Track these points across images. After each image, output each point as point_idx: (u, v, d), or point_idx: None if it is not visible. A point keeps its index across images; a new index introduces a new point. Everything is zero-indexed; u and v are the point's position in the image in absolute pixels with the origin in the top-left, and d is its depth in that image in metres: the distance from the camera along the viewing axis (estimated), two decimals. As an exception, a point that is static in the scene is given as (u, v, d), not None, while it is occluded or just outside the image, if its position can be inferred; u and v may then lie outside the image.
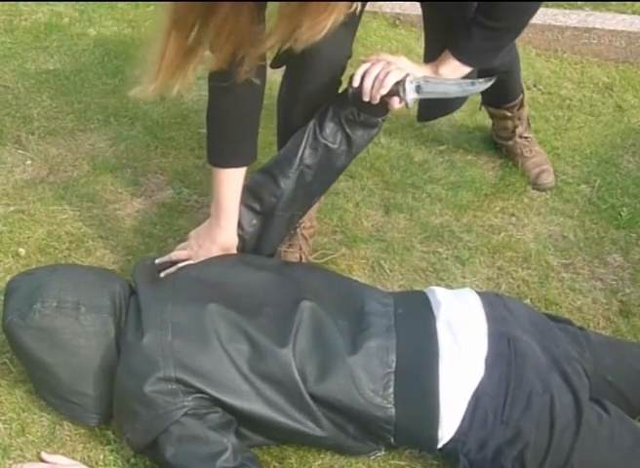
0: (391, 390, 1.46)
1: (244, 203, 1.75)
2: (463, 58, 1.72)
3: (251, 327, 1.48)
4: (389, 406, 1.45)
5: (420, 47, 3.07)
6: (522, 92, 2.35)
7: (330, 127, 1.72)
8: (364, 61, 1.67)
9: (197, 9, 1.43)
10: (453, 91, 1.73)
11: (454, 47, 1.73)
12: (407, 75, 1.64)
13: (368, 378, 1.45)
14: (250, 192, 1.76)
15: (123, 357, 1.50)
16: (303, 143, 1.73)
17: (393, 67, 1.64)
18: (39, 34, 3.08)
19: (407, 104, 1.66)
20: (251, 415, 1.46)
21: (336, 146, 1.73)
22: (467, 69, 1.74)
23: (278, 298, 1.55)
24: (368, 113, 1.70)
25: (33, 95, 2.69)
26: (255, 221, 1.76)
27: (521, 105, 2.36)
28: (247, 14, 1.44)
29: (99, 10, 3.28)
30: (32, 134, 2.49)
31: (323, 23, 1.41)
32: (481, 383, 1.46)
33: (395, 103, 1.65)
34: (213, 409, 1.45)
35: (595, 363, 1.57)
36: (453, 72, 1.73)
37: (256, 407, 1.45)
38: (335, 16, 1.40)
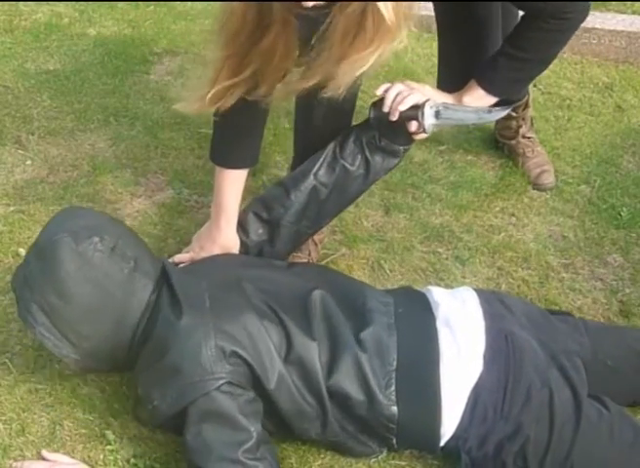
0: (393, 388, 1.47)
1: (253, 211, 1.78)
2: (489, 88, 1.71)
3: (280, 310, 1.50)
4: (391, 403, 1.46)
5: (420, 47, 3.08)
6: (528, 92, 2.35)
7: (350, 148, 1.73)
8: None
9: (247, 32, 1.44)
10: (470, 118, 1.74)
11: (479, 76, 1.72)
12: (427, 100, 1.65)
13: (372, 374, 1.47)
14: (261, 202, 1.80)
15: (161, 326, 1.48)
16: (321, 160, 1.74)
17: (416, 91, 1.66)
18: (39, 34, 3.08)
19: (424, 129, 1.66)
20: (276, 392, 1.45)
21: (353, 169, 1.74)
22: (492, 99, 1.73)
23: (292, 292, 1.57)
24: (389, 139, 1.72)
25: (33, 95, 2.69)
26: (260, 231, 1.77)
27: (526, 106, 2.36)
28: (293, 42, 1.46)
29: (99, 10, 3.28)
30: (32, 134, 2.49)
31: (365, 59, 1.43)
32: (480, 378, 1.47)
33: (413, 127, 1.66)
34: (246, 390, 1.44)
35: (595, 348, 1.58)
36: (477, 101, 1.72)
37: (283, 384, 1.45)
38: (379, 51, 1.43)
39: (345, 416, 1.49)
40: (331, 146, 1.75)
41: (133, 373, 1.57)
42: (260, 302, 1.51)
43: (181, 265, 1.74)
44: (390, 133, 1.71)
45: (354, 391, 1.46)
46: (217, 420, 1.41)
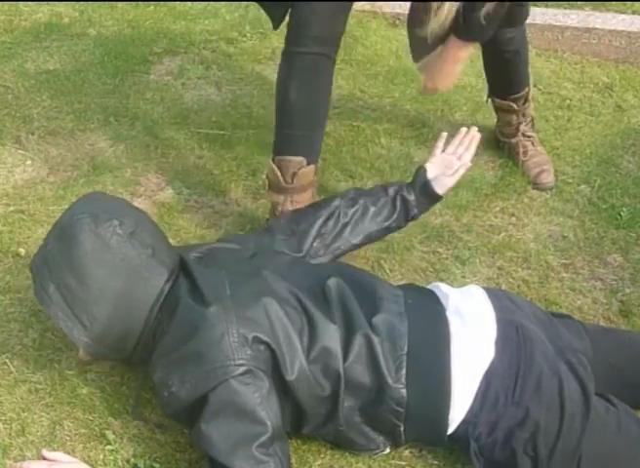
0: (404, 372, 1.47)
1: (287, 220, 1.81)
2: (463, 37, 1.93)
3: (302, 295, 1.52)
4: (401, 386, 1.47)
5: (420, 47, 3.08)
6: (529, 86, 2.37)
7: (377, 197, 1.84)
8: None
9: None
10: None
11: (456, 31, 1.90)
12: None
13: (382, 357, 1.48)
14: (295, 215, 1.84)
15: (184, 313, 1.48)
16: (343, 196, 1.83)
17: None
18: (39, 34, 3.08)
19: None
20: (295, 383, 1.44)
21: (374, 209, 1.82)
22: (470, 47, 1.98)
23: (309, 279, 1.58)
24: (417, 200, 1.85)
25: (33, 95, 2.69)
26: (284, 236, 1.76)
27: (526, 100, 2.36)
28: None
29: (99, 10, 3.28)
30: (32, 134, 2.49)
31: None
32: (492, 364, 1.48)
33: None
34: (267, 378, 1.43)
35: (595, 348, 1.60)
36: (458, 50, 1.96)
37: (302, 374, 1.45)
38: None
39: (354, 403, 1.49)
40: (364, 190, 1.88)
41: (147, 363, 1.55)
42: (280, 288, 1.53)
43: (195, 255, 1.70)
44: (424, 196, 1.85)
45: (365, 374, 1.47)
46: (234, 412, 1.40)
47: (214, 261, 1.62)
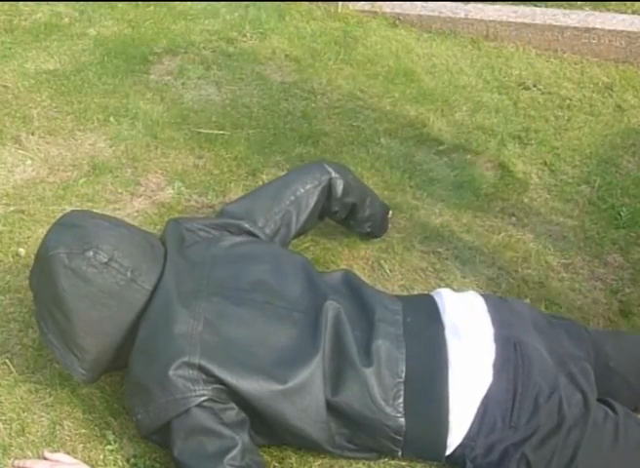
0: (401, 400, 1.46)
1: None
2: None
3: (289, 321, 1.49)
4: (399, 415, 1.45)
5: (420, 47, 3.08)
6: None
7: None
8: None
9: None
10: None
11: None
12: None
13: (379, 387, 1.45)
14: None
15: (148, 337, 1.48)
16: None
17: None
18: (39, 34, 3.08)
19: None
20: (266, 413, 1.44)
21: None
22: None
23: (306, 303, 1.54)
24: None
25: (33, 95, 2.69)
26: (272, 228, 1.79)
27: None
28: None
29: (99, 10, 3.28)
30: (32, 134, 2.49)
31: None
32: (490, 389, 1.46)
33: None
34: (229, 404, 1.44)
35: (596, 351, 1.59)
36: None
37: (281, 406, 1.43)
38: None
39: (348, 431, 1.48)
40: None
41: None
42: (256, 329, 1.49)
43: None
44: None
45: (359, 408, 1.45)
46: (201, 432, 1.42)
47: (203, 276, 1.56)
